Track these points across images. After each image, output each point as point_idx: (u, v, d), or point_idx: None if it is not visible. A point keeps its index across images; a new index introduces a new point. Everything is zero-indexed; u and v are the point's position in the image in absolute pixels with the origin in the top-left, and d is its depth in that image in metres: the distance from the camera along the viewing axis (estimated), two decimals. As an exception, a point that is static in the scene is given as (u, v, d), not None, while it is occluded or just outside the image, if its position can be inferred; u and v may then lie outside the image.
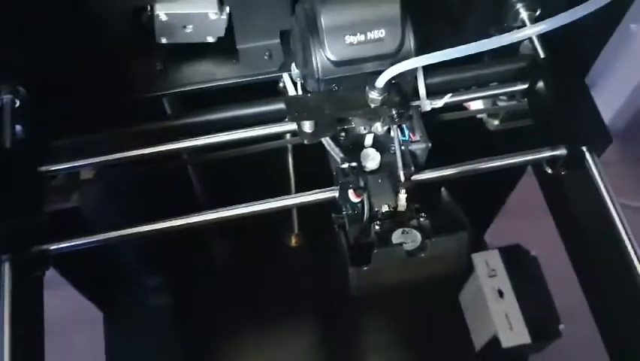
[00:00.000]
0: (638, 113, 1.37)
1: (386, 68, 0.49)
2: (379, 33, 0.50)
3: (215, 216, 0.57)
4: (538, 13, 0.63)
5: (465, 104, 0.69)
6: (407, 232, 0.51)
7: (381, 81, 0.50)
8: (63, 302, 1.01)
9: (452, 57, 0.49)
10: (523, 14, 0.63)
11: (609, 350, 0.57)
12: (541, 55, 0.61)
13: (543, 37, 0.62)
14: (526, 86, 0.61)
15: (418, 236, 0.51)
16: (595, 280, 0.59)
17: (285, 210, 0.85)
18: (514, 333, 0.81)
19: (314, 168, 0.59)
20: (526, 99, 0.63)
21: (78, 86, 0.59)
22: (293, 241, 0.89)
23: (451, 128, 0.68)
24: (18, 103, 0.57)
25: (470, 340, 0.91)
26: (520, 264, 0.85)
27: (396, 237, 0.51)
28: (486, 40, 0.49)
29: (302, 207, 0.65)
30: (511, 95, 0.66)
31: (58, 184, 0.62)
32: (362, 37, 0.50)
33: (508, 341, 0.81)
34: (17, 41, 0.55)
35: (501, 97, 0.67)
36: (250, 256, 1.04)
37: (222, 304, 1.03)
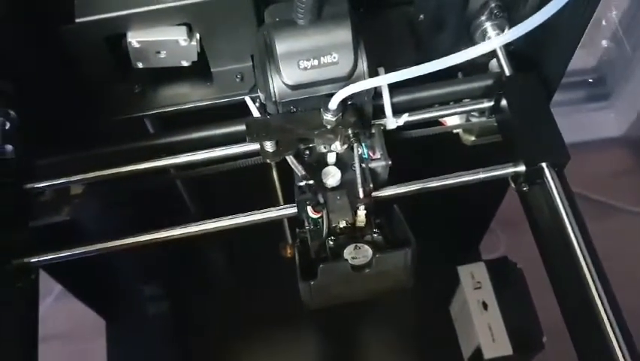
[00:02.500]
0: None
1: (339, 91, 0.52)
2: (332, 58, 0.53)
3: (199, 229, 0.61)
4: (504, 32, 0.64)
5: (441, 119, 0.70)
6: (359, 248, 0.53)
7: (333, 103, 0.52)
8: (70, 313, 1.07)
9: (406, 78, 0.51)
10: (491, 33, 0.64)
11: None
12: (507, 73, 0.63)
13: (510, 55, 0.64)
14: (492, 103, 0.63)
15: (369, 251, 0.53)
16: (561, 292, 0.60)
17: (277, 222, 0.88)
18: (497, 345, 0.82)
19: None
20: (493, 116, 0.65)
21: (64, 109, 0.63)
22: (287, 252, 0.92)
23: (430, 143, 0.70)
24: (8, 125, 0.61)
25: (459, 351, 0.92)
26: (505, 276, 0.86)
27: (349, 252, 0.53)
28: (439, 60, 0.51)
29: (297, 218, 0.68)
30: (482, 112, 0.67)
31: (48, 199, 0.66)
32: (316, 62, 0.53)
33: (490, 352, 0.82)
34: (6, 71, 0.59)
35: (473, 113, 0.69)
36: (248, 266, 1.07)
37: (221, 313, 1.06)
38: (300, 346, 1.05)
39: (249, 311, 1.03)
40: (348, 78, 0.53)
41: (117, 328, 1.05)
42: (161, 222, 0.62)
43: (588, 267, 0.54)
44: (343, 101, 0.53)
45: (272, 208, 0.62)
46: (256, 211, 0.61)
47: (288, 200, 0.64)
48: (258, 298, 1.03)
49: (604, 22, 1.35)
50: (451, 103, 0.65)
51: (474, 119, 0.69)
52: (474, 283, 0.85)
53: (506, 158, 0.62)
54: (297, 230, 0.58)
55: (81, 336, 1.17)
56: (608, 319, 0.53)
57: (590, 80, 1.53)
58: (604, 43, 1.44)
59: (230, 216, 0.61)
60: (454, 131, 0.73)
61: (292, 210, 0.60)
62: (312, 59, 0.52)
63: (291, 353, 1.04)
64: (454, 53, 0.67)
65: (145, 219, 0.69)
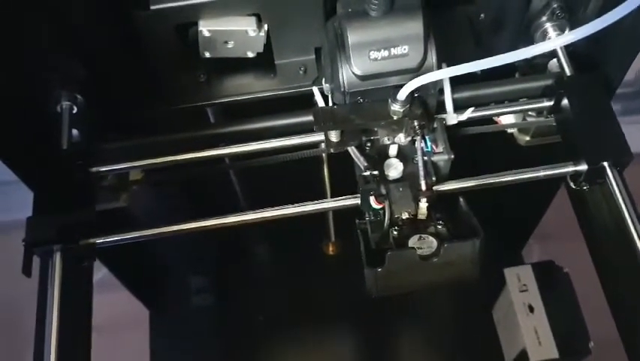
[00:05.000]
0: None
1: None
2: (403, 49, 0.53)
3: (252, 217, 0.61)
4: (566, 32, 0.65)
5: (495, 118, 0.71)
6: (424, 238, 0.54)
7: (402, 94, 0.53)
8: (115, 305, 1.07)
9: (468, 71, 0.52)
10: (552, 34, 0.65)
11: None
12: (567, 73, 0.63)
13: (570, 55, 0.64)
14: (551, 103, 0.63)
15: (434, 242, 0.53)
16: (616, 295, 0.60)
17: (323, 219, 0.89)
18: (543, 348, 0.82)
19: (353, 176, 0.62)
20: (552, 116, 0.65)
21: (129, 96, 0.65)
22: (330, 249, 0.92)
23: (484, 142, 0.70)
24: (76, 109, 0.63)
25: (502, 354, 0.92)
26: (551, 280, 0.86)
27: (413, 242, 0.53)
28: (503, 55, 0.51)
29: (340, 216, 0.68)
30: (539, 112, 0.68)
31: (108, 184, 0.67)
32: (386, 53, 0.53)
33: (535, 355, 0.81)
34: (76, 56, 0.60)
35: (530, 113, 0.69)
36: (293, 263, 1.08)
37: (266, 309, 1.07)
38: (341, 343, 1.05)
39: (294, 307, 1.04)
40: (417, 70, 0.54)
41: (162, 319, 1.06)
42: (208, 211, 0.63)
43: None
44: (410, 93, 0.54)
45: (328, 199, 0.62)
46: (311, 202, 0.61)
47: (338, 195, 0.65)
48: (303, 294, 1.04)
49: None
50: (506, 102, 0.66)
51: (530, 119, 0.70)
52: (520, 286, 0.85)
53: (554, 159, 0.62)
54: (357, 221, 0.58)
55: (118, 329, 1.18)
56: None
57: (627, 94, 1.52)
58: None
59: (284, 206, 0.61)
60: (509, 130, 0.74)
61: (348, 201, 0.60)
62: (382, 50, 0.53)
63: (331, 349, 1.04)
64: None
65: (196, 211, 0.71)
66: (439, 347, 1.04)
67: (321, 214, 0.85)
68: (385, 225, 0.56)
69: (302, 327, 1.04)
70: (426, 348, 1.05)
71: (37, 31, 0.57)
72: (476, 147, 0.77)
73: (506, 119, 0.71)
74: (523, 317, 0.84)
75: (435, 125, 0.59)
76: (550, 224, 1.09)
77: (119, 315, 1.18)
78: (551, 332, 0.82)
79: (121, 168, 0.63)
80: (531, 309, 0.84)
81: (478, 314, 0.97)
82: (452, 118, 0.61)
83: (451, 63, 0.58)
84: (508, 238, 1.04)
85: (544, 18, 0.65)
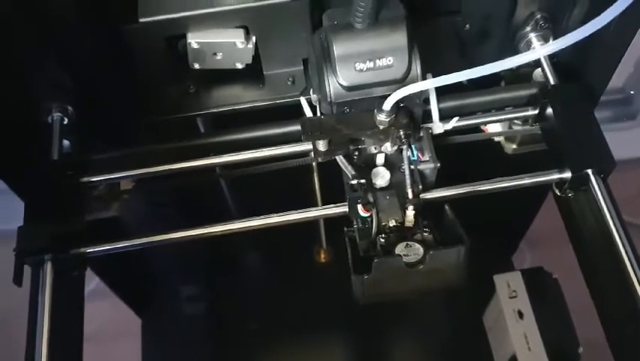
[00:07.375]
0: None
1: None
2: (387, 61, 0.54)
3: (242, 226, 0.61)
4: (550, 42, 0.66)
5: (482, 127, 0.71)
6: (410, 246, 0.55)
7: (387, 104, 0.54)
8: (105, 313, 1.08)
9: (452, 82, 0.53)
10: (536, 44, 0.66)
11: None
12: (552, 82, 0.64)
13: (554, 65, 0.65)
14: (536, 111, 0.64)
15: (421, 249, 0.54)
16: (603, 300, 0.61)
17: (315, 227, 0.90)
18: (532, 354, 0.82)
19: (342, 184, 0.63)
20: (537, 124, 0.66)
21: (120, 107, 0.66)
22: (322, 257, 0.93)
23: (472, 150, 0.71)
24: (66, 120, 0.64)
25: (492, 360, 0.93)
26: (541, 286, 0.86)
27: (400, 249, 0.54)
28: (487, 65, 0.52)
29: (332, 223, 0.69)
30: (525, 120, 0.69)
31: (100, 194, 0.68)
32: (371, 65, 0.54)
33: (525, 361, 0.82)
34: (67, 67, 0.61)
35: (516, 121, 0.70)
36: (284, 269, 1.09)
37: (259, 316, 1.08)
38: (331, 350, 1.06)
39: (287, 315, 1.04)
40: (402, 81, 0.55)
41: (154, 327, 1.06)
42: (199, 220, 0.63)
43: (636, 273, 0.55)
44: (396, 103, 0.55)
45: (317, 207, 0.63)
46: (300, 210, 0.62)
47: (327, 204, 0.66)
48: (295, 302, 1.04)
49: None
50: (493, 111, 0.67)
51: (516, 128, 0.71)
52: (510, 292, 0.86)
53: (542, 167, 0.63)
54: (346, 229, 0.59)
55: (111, 337, 1.19)
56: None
57: (617, 100, 1.53)
58: (632, 62, 1.45)
59: (274, 214, 0.62)
60: (496, 139, 0.75)
61: (336, 210, 0.61)
62: (368, 62, 0.54)
63: (322, 356, 1.05)
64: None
65: (187, 219, 0.71)
66: (430, 354, 1.04)
67: (313, 222, 0.86)
68: (373, 232, 0.56)
69: (295, 335, 1.05)
70: (418, 355, 1.06)
71: (27, 42, 0.58)
72: (464, 156, 0.78)
73: (493, 128, 0.72)
74: (513, 323, 0.85)
75: (421, 134, 0.61)
76: (540, 230, 1.10)
77: (111, 323, 1.18)
78: (541, 337, 0.83)
79: (111, 178, 0.63)
80: (521, 315, 0.85)
81: (468, 321, 0.98)
82: (438, 127, 0.63)
83: (436, 73, 0.59)
84: (498, 244, 1.05)
85: (528, 28, 0.66)
